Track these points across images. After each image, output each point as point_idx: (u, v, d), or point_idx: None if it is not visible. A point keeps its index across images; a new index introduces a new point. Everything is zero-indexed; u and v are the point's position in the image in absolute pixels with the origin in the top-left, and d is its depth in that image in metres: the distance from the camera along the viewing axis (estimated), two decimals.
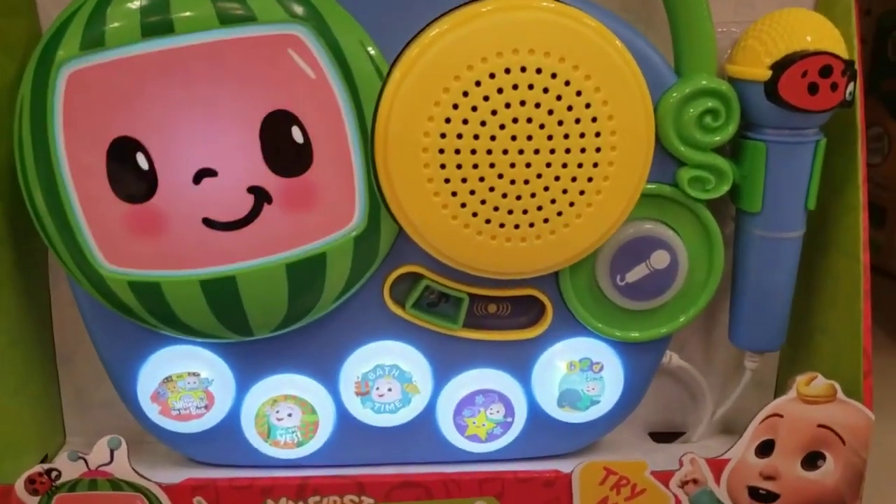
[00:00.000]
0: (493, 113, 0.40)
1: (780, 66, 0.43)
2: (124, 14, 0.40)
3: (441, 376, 0.49)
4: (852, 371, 0.48)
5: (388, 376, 0.48)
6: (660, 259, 0.46)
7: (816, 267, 0.51)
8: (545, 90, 0.40)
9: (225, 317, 0.44)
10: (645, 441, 0.55)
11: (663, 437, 0.56)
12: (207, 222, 0.42)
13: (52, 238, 0.43)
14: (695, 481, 0.47)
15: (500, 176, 0.41)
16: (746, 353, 0.51)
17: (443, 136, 0.41)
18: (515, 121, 0.40)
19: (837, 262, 0.50)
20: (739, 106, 0.45)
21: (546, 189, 0.42)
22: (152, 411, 0.48)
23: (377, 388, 0.48)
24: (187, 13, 0.40)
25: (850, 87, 0.44)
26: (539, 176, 0.42)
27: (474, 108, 0.40)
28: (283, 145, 0.42)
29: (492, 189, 0.42)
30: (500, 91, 0.40)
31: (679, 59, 0.45)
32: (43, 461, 0.50)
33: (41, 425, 0.51)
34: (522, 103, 0.40)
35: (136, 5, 0.40)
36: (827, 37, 0.44)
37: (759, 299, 0.49)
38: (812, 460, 0.47)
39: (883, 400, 0.48)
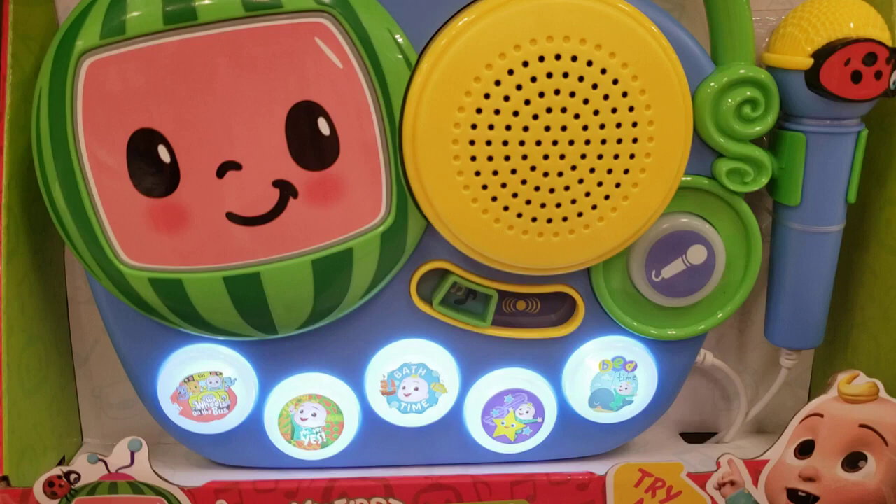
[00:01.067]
0: (527, 103, 0.39)
1: (822, 54, 0.42)
2: (146, 2, 0.39)
3: (469, 375, 0.47)
4: (893, 369, 0.46)
5: (414, 375, 0.46)
6: (697, 254, 0.45)
7: (854, 262, 0.50)
8: (580, 79, 0.39)
9: (249, 314, 0.43)
10: (676, 441, 0.54)
11: (694, 437, 0.54)
12: (231, 217, 0.41)
13: (71, 234, 0.42)
14: (732, 483, 0.46)
15: (533, 168, 0.40)
16: (783, 351, 0.50)
17: (474, 127, 0.39)
18: (549, 111, 0.39)
19: (877, 257, 0.48)
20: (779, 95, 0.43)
21: (580, 182, 0.41)
22: (173, 412, 0.46)
23: (403, 388, 0.46)
24: (211, 1, 0.38)
25: (895, 75, 0.43)
26: (573, 168, 0.40)
27: (506, 98, 0.39)
28: (310, 137, 0.40)
29: (524, 182, 0.40)
30: (533, 80, 0.39)
31: (716, 47, 0.44)
32: (60, 463, 0.49)
33: (58, 426, 0.50)
34: (557, 92, 0.39)
35: None
36: (871, 23, 0.42)
37: (798, 295, 0.47)
38: (853, 461, 0.46)
39: None
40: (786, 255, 0.47)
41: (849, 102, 0.42)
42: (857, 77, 0.42)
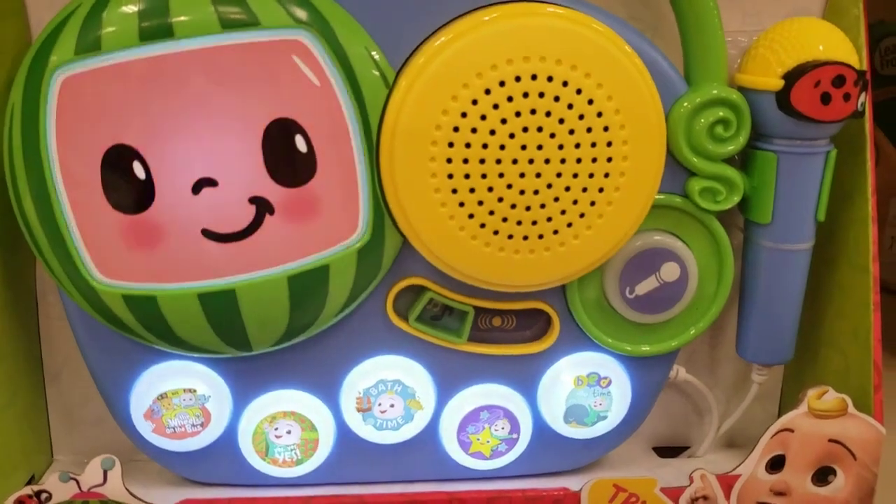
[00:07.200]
0: (503, 122, 0.39)
1: (792, 76, 0.43)
2: (121, 18, 0.38)
3: (445, 392, 0.47)
4: (862, 384, 0.47)
5: (390, 392, 0.46)
6: (670, 271, 0.45)
7: (824, 279, 0.50)
8: (556, 98, 0.39)
9: (223, 331, 0.43)
10: (649, 456, 0.54)
11: (667, 451, 0.55)
12: (207, 233, 0.41)
13: (43, 249, 0.41)
14: (705, 498, 0.46)
15: (510, 186, 0.40)
16: (754, 367, 0.51)
17: (451, 144, 0.39)
18: (526, 130, 0.39)
19: (846, 274, 0.49)
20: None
21: (556, 200, 0.41)
22: (146, 429, 0.46)
23: (379, 404, 0.46)
24: (187, 17, 0.38)
25: (862, 97, 0.44)
26: (549, 186, 0.41)
27: (483, 117, 0.39)
28: (287, 154, 0.40)
29: (500, 199, 0.41)
30: (510, 99, 0.39)
31: (689, 67, 0.45)
32: (30, 482, 0.48)
33: (28, 444, 0.49)
34: (533, 112, 0.39)
35: (133, 9, 0.38)
36: (839, 46, 0.43)
37: (769, 311, 0.48)
38: (822, 476, 0.46)
39: (892, 415, 0.48)
40: (757, 272, 0.47)
41: (818, 123, 0.43)
42: (826, 99, 0.43)
